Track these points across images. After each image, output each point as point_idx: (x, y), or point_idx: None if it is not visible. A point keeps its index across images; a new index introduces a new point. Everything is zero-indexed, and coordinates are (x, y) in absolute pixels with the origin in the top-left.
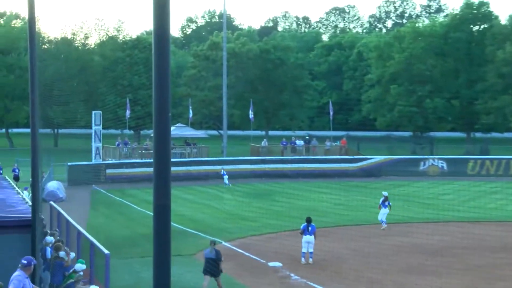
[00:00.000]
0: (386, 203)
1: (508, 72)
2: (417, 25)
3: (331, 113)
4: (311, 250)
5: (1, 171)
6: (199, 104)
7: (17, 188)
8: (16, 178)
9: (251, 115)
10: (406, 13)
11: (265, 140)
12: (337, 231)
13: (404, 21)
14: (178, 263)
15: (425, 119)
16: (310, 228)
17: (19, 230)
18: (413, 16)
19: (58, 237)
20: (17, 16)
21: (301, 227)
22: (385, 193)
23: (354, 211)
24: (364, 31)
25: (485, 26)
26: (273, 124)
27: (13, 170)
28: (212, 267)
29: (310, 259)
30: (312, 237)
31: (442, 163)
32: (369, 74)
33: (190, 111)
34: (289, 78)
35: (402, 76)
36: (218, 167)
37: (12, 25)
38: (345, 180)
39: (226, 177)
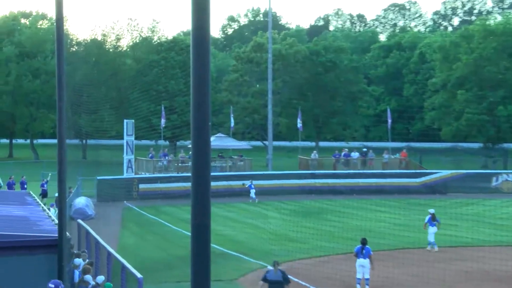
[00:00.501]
0: (435, 221)
1: None
2: (488, 22)
3: (389, 121)
4: (367, 276)
5: (25, 186)
6: (242, 111)
7: (42, 205)
8: (45, 194)
9: (299, 124)
10: (475, 9)
11: (315, 152)
12: (396, 255)
13: (473, 18)
14: None
15: (497, 129)
16: (364, 250)
17: (45, 251)
18: (483, 13)
19: (87, 259)
20: (43, 17)
21: (355, 249)
22: (431, 210)
23: (415, 232)
24: (427, 30)
25: None
26: (324, 134)
27: (42, 185)
28: None
29: (367, 286)
30: (367, 260)
31: None
32: (432, 78)
33: (232, 120)
34: (342, 83)
35: (470, 80)
36: (262, 182)
37: (38, 26)
38: (406, 197)
39: (253, 190)
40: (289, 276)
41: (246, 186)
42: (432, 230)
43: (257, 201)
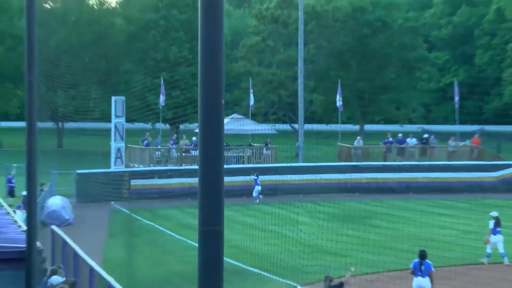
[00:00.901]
0: (499, 228)
1: None
2: None
3: (457, 98)
4: None
5: None
6: (264, 86)
7: (6, 207)
8: (11, 193)
9: (339, 103)
10: None
11: (359, 138)
12: (467, 272)
13: None
14: None
15: None
16: (423, 266)
17: (9, 266)
18: None
19: (65, 276)
20: None
21: (412, 265)
22: (494, 214)
23: None
24: None
25: None
26: (371, 115)
27: (8, 181)
28: None
29: None
30: (427, 279)
31: None
32: None
33: (251, 97)
34: (395, 49)
35: None
36: (292, 177)
37: None
38: (479, 196)
39: (258, 188)
40: None
41: (252, 178)
42: (496, 239)
43: (258, 202)
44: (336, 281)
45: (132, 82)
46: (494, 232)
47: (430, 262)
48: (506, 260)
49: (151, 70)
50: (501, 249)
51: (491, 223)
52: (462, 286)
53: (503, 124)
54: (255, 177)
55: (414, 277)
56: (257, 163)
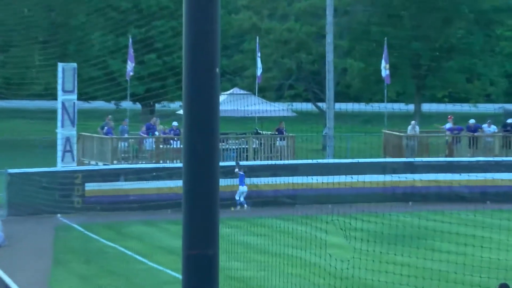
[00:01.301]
0: None
1: None
2: None
3: None
4: None
5: None
6: (277, 48)
7: None
8: None
9: (385, 72)
10: None
11: (414, 123)
12: None
13: None
14: None
15: None
16: None
17: None
18: None
19: None
20: None
21: None
22: None
23: None
24: None
25: None
26: (430, 90)
27: None
28: None
29: None
30: None
31: None
32: None
33: (259, 64)
34: None
35: None
36: (317, 179)
37: None
38: None
39: (243, 188)
40: None
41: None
42: None
43: (246, 206)
44: None
45: (88, 42)
46: None
47: None
48: None
49: (114, 26)
50: None
51: None
52: None
53: None
54: (241, 173)
55: None
56: (268, 159)
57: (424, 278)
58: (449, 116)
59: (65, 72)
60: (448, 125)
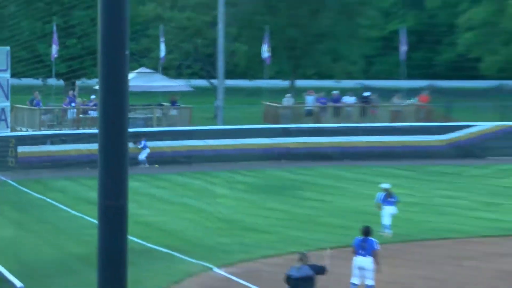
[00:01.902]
0: (391, 199)
1: None
2: None
3: (404, 49)
4: (370, 282)
5: None
6: (177, 34)
7: None
8: None
9: (266, 54)
10: None
11: (289, 96)
12: (409, 249)
13: None
14: None
15: None
16: (367, 244)
17: None
18: None
19: None
20: None
21: (353, 242)
22: (385, 185)
23: (438, 216)
24: None
25: None
26: (303, 68)
27: None
28: None
29: None
30: (369, 259)
31: None
32: None
33: (162, 47)
34: None
35: None
36: (209, 142)
37: None
38: (425, 163)
39: (146, 150)
40: (244, 283)
41: (140, 147)
42: (388, 211)
43: (148, 166)
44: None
45: (19, 29)
46: (386, 203)
47: (375, 240)
48: (387, 231)
49: (39, 14)
50: (385, 221)
51: (380, 196)
52: (405, 265)
53: (456, 79)
54: (144, 143)
55: (355, 256)
56: (169, 126)
57: (295, 220)
58: (309, 91)
59: (0, 55)
60: (311, 98)
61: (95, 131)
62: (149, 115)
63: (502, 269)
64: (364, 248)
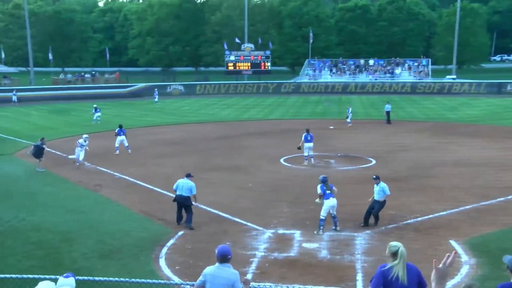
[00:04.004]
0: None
1: (218, 30)
2: None
3: (108, 55)
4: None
5: None
6: (10, 48)
7: None
8: None
9: (50, 57)
10: None
11: (62, 74)
12: (113, 133)
13: None
14: None
15: (169, 59)
16: (122, 132)
17: None
18: None
19: None
20: None
21: (116, 130)
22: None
23: (127, 120)
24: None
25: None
26: (67, 64)
27: None
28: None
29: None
30: (123, 137)
31: (181, 87)
32: (133, 29)
33: (3, 53)
34: (77, 31)
35: (154, 31)
36: (24, 93)
37: None
38: (119, 100)
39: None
40: (49, 149)
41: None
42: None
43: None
44: None
45: None
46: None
47: (124, 129)
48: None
49: None
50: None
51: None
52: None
53: (129, 67)
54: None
55: (117, 136)
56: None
57: (68, 124)
58: (83, 73)
59: None
60: None
61: None
62: None
63: (149, 140)
64: (120, 133)
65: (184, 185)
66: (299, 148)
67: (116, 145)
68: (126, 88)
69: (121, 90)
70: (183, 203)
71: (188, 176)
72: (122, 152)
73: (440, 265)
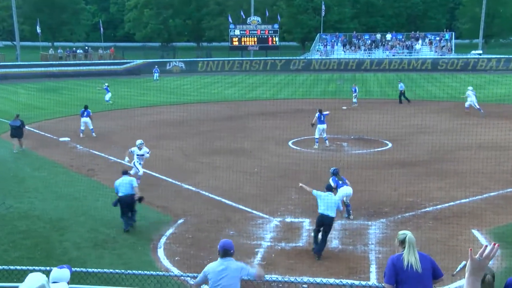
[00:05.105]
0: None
1: (222, 1)
2: None
3: (102, 29)
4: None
5: None
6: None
7: None
8: None
9: (38, 31)
10: None
11: (51, 49)
12: (109, 114)
13: None
14: None
15: (169, 34)
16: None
17: None
18: None
19: None
20: None
21: (80, 111)
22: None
23: (124, 100)
24: None
25: None
26: (57, 38)
27: None
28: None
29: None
30: (88, 119)
31: (181, 64)
32: (129, 0)
33: None
34: (68, 2)
35: (152, 2)
36: (9, 70)
37: None
38: (115, 77)
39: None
40: (37, 131)
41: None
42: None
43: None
44: None
45: None
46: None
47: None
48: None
49: None
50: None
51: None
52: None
53: (125, 42)
54: (106, 85)
55: (81, 118)
56: None
57: (59, 103)
58: (74, 48)
59: None
60: None
61: None
62: None
63: (152, 120)
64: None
65: (125, 183)
66: (312, 125)
67: (82, 128)
68: (122, 65)
69: (116, 67)
70: (130, 203)
71: (125, 173)
72: (119, 133)
73: (477, 256)
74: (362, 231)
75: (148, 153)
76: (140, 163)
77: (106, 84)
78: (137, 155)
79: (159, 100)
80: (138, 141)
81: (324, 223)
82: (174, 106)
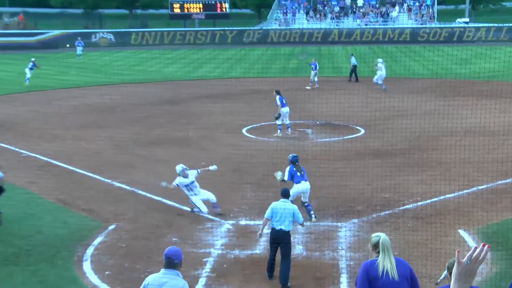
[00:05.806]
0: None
1: None
2: None
3: None
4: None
5: None
6: None
7: None
8: None
9: None
10: None
11: None
12: (21, 97)
13: None
14: None
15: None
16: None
17: None
18: None
19: None
20: None
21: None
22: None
23: (39, 80)
24: None
25: None
26: None
27: None
28: None
29: None
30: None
31: (110, 35)
32: None
33: None
34: None
35: None
36: None
37: None
38: (26, 52)
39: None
40: None
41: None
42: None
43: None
44: None
45: None
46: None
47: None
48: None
49: None
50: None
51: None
52: (19, 105)
53: (38, 7)
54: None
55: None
56: None
57: None
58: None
59: None
60: None
61: None
62: None
63: (73, 105)
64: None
65: None
66: (265, 98)
67: None
68: (35, 36)
69: (27, 39)
70: None
71: None
72: (34, 121)
73: (465, 259)
74: (330, 234)
75: (197, 174)
76: (195, 194)
77: (33, 59)
78: (186, 186)
79: (83, 80)
80: (178, 167)
81: (279, 241)
82: (102, 87)
